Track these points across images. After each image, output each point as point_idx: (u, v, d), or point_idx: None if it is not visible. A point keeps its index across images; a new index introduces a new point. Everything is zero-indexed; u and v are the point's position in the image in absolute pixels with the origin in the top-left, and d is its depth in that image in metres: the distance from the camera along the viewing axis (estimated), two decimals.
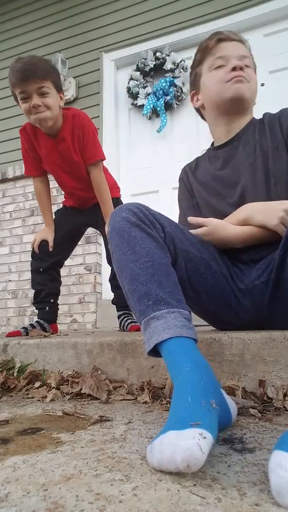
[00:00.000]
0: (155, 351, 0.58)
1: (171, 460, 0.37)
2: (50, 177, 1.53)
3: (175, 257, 0.77)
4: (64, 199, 1.62)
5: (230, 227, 0.87)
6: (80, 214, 1.54)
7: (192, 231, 0.87)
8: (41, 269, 1.46)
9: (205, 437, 0.38)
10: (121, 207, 0.73)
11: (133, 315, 1.47)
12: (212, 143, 1.07)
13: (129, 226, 0.69)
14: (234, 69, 0.91)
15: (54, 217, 1.55)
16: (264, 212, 0.83)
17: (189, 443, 0.37)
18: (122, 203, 1.58)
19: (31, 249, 1.49)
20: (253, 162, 0.92)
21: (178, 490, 0.35)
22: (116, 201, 1.50)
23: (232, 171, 0.95)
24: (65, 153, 1.36)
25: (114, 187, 1.53)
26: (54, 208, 1.59)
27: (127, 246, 0.66)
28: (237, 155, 0.96)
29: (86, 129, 1.36)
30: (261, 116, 1.00)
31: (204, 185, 1.02)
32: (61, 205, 1.64)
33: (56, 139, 1.35)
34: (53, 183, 1.60)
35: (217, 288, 0.84)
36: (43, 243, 1.46)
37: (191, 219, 0.89)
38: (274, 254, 0.81)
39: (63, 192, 1.59)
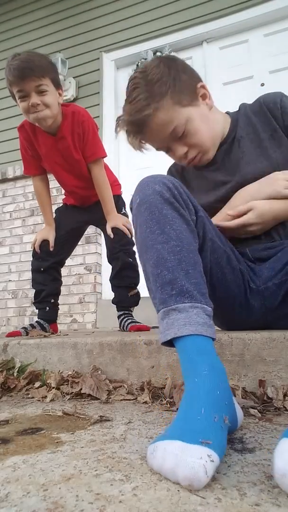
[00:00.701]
0: (169, 343, 0.55)
1: (172, 472, 0.36)
2: (50, 176, 1.53)
3: (202, 244, 0.72)
4: (64, 197, 1.60)
5: (273, 202, 0.82)
6: (81, 212, 1.53)
7: (236, 221, 0.83)
8: (42, 269, 1.45)
9: (212, 461, 0.36)
10: (153, 179, 0.67)
11: (133, 315, 1.48)
12: None
13: (162, 202, 0.63)
14: (180, 158, 0.89)
15: (54, 216, 1.54)
16: (267, 187, 0.81)
17: (195, 462, 0.35)
18: (123, 200, 1.58)
19: (32, 249, 1.48)
20: (256, 155, 0.89)
21: (178, 490, 0.35)
22: (117, 198, 1.50)
23: (233, 169, 0.92)
24: (65, 151, 1.35)
25: (115, 184, 1.53)
26: (54, 208, 1.58)
27: (157, 225, 0.61)
28: (234, 153, 0.92)
29: (87, 126, 1.34)
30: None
31: (200, 182, 0.98)
32: (61, 205, 1.64)
33: (55, 137, 1.33)
34: (53, 183, 1.59)
35: (234, 285, 0.81)
36: (44, 243, 1.45)
37: (229, 212, 0.84)
38: (284, 253, 0.80)
39: (63, 192, 1.58)
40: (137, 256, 1.09)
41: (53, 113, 1.27)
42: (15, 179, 2.90)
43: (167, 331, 0.55)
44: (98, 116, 2.69)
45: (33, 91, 1.21)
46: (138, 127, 0.85)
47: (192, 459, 0.36)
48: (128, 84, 0.86)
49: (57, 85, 1.29)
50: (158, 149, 0.92)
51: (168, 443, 0.39)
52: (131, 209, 0.70)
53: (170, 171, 1.09)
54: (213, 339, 0.55)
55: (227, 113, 0.97)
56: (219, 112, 0.95)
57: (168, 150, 0.91)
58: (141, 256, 0.64)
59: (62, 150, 1.35)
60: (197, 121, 0.86)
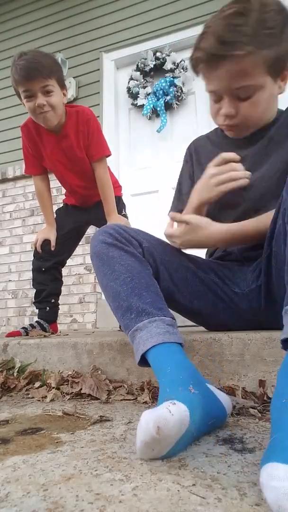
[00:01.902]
0: (144, 361, 0.60)
1: (146, 429, 0.40)
2: (50, 176, 1.53)
3: (156, 269, 0.78)
4: (65, 197, 1.60)
5: (214, 223, 0.79)
6: (82, 212, 1.53)
7: (167, 231, 0.83)
8: (43, 269, 1.45)
9: (174, 403, 0.42)
10: (98, 231, 0.75)
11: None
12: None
13: (107, 247, 0.71)
14: (223, 115, 0.79)
15: (55, 216, 1.54)
16: (203, 187, 0.78)
17: (159, 410, 0.41)
18: (123, 202, 1.58)
19: (33, 249, 1.48)
20: (274, 158, 0.84)
21: (178, 490, 0.35)
22: (118, 199, 1.49)
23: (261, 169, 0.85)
24: (68, 149, 1.35)
25: (116, 186, 1.53)
26: (54, 208, 1.58)
27: (107, 267, 0.69)
28: (260, 149, 0.86)
29: (92, 125, 1.35)
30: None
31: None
32: (61, 205, 1.64)
33: (59, 136, 1.34)
34: (53, 183, 1.59)
35: (210, 294, 0.83)
36: (45, 243, 1.45)
37: (173, 215, 0.83)
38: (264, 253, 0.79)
39: (63, 192, 1.58)
40: None
41: (58, 114, 1.28)
42: (15, 179, 2.90)
43: (137, 352, 0.61)
44: (98, 116, 2.69)
45: (39, 92, 1.22)
46: (216, 58, 0.71)
47: (157, 410, 0.42)
48: (235, 2, 0.69)
49: (62, 85, 1.31)
50: (210, 91, 0.79)
51: (140, 420, 0.43)
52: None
53: (189, 148, 1.07)
54: (181, 344, 0.60)
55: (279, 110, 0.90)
56: (277, 104, 0.86)
57: (217, 100, 0.79)
58: (105, 298, 0.72)
59: (65, 149, 1.36)
60: (265, 95, 0.76)
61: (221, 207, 0.87)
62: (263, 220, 0.77)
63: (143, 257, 0.74)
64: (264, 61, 0.71)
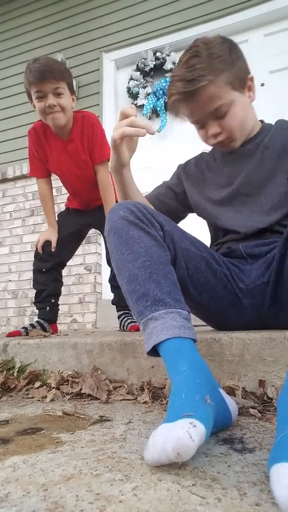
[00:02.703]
0: (154, 351, 0.58)
1: (162, 450, 0.38)
2: (52, 177, 1.54)
3: (175, 255, 0.76)
4: (67, 201, 1.63)
5: (127, 170, 0.90)
6: (84, 215, 1.55)
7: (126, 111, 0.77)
8: (44, 270, 1.47)
9: (195, 426, 0.39)
10: (118, 206, 0.71)
11: (132, 315, 1.48)
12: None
13: (127, 225, 0.67)
14: (211, 136, 0.89)
15: (56, 218, 1.56)
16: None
17: (179, 432, 0.38)
18: None
19: (34, 249, 1.51)
20: (273, 165, 0.91)
21: (178, 490, 0.35)
22: None
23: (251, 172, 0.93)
24: (73, 153, 1.39)
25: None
26: (55, 209, 1.59)
27: (125, 246, 0.65)
28: (256, 158, 0.94)
29: (96, 128, 1.40)
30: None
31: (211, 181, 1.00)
32: (61, 206, 1.65)
33: (66, 141, 1.39)
34: (53, 183, 1.60)
35: (219, 287, 0.83)
36: (47, 244, 1.47)
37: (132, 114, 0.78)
38: (274, 253, 0.81)
39: (63, 193, 1.60)
40: None
41: (66, 116, 1.34)
42: (15, 179, 2.90)
43: (148, 341, 0.58)
44: (98, 116, 2.68)
45: (50, 93, 1.28)
46: (187, 95, 0.84)
47: (177, 431, 0.38)
48: (187, 51, 0.85)
49: (72, 91, 1.37)
50: (193, 122, 0.92)
51: (155, 431, 0.41)
52: (105, 237, 0.73)
53: (185, 164, 1.13)
54: (194, 340, 0.57)
55: (261, 121, 0.99)
56: (254, 111, 0.97)
57: (202, 127, 0.91)
58: (118, 278, 0.68)
59: (70, 152, 1.40)
60: (239, 107, 0.88)
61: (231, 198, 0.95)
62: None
63: (164, 241, 0.72)
64: (226, 82, 0.84)
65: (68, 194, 1.61)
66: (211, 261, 0.83)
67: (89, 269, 2.53)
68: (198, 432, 0.38)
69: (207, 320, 0.94)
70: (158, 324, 0.57)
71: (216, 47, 0.85)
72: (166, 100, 2.60)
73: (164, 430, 0.40)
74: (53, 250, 1.46)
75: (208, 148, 1.05)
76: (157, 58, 2.67)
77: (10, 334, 1.33)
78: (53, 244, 1.46)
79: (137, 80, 2.72)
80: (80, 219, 1.55)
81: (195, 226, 1.15)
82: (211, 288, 0.82)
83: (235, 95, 0.87)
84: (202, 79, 0.81)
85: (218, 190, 0.98)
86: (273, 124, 0.98)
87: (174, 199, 1.07)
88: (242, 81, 0.89)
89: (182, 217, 1.10)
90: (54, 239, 1.47)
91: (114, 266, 0.69)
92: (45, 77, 1.26)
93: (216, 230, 1.01)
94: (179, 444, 0.37)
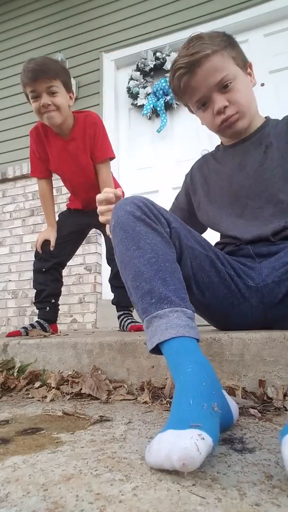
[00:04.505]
0: (157, 349, 0.57)
1: (167, 458, 0.37)
2: (52, 176, 1.55)
3: (180, 253, 0.75)
4: (68, 202, 1.63)
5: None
6: (84, 215, 1.55)
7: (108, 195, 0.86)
8: (44, 269, 1.47)
9: (203, 438, 0.38)
10: (125, 201, 0.71)
11: (132, 315, 1.48)
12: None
13: (134, 221, 0.66)
14: (218, 112, 0.88)
15: (57, 219, 1.56)
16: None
17: (186, 443, 0.37)
18: None
19: (34, 249, 1.51)
20: (277, 164, 0.90)
21: (178, 490, 0.35)
22: None
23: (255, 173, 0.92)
24: (74, 152, 1.39)
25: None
26: (55, 209, 1.59)
27: (131, 242, 0.65)
28: (255, 155, 0.93)
29: (98, 127, 1.40)
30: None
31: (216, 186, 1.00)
32: (61, 206, 1.65)
33: (66, 139, 1.39)
34: (54, 183, 1.60)
35: (222, 287, 0.82)
36: (46, 243, 1.47)
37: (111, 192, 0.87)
38: (286, 253, 0.81)
39: (63, 192, 1.60)
40: None
41: (62, 114, 1.33)
42: (15, 179, 2.90)
43: (152, 339, 0.57)
44: (102, 121, 2.69)
45: (44, 92, 1.28)
46: (192, 66, 0.85)
47: (184, 441, 0.37)
48: (189, 39, 0.87)
49: (68, 89, 1.36)
50: (198, 99, 0.90)
51: (161, 435, 0.41)
52: (110, 232, 0.73)
53: (191, 169, 1.12)
54: (197, 340, 0.57)
55: (266, 117, 0.99)
56: (256, 100, 0.97)
57: (208, 102, 0.89)
58: (122, 273, 0.67)
59: (71, 152, 1.40)
60: (243, 84, 0.88)
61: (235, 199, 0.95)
62: None
63: (170, 238, 0.71)
64: (229, 56, 0.87)
65: (69, 194, 1.61)
66: (215, 261, 0.82)
67: (89, 269, 2.53)
68: (205, 444, 0.38)
69: (209, 319, 0.94)
70: (162, 323, 0.57)
71: (216, 33, 0.89)
72: (166, 100, 2.61)
73: (171, 438, 0.39)
74: (51, 249, 1.46)
75: (208, 149, 1.05)
76: (157, 58, 2.67)
77: (10, 334, 1.33)
78: (52, 243, 1.46)
79: (137, 80, 2.72)
80: (81, 219, 1.55)
81: None
82: (214, 288, 0.82)
83: (238, 71, 0.87)
84: (206, 49, 0.84)
85: (220, 191, 0.98)
86: (279, 119, 0.97)
87: (188, 219, 1.05)
88: (244, 62, 0.90)
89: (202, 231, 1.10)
90: (52, 239, 1.47)
91: (118, 261, 0.68)
92: (37, 76, 1.25)
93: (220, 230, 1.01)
94: (186, 455, 0.36)
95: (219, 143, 1.08)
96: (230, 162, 0.97)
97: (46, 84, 1.27)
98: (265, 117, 0.98)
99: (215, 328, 0.97)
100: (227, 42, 0.87)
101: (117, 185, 1.56)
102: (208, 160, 1.07)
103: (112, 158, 1.45)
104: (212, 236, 1.01)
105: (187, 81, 0.87)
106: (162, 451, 0.38)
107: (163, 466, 0.38)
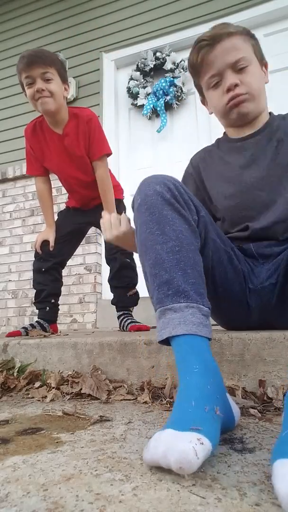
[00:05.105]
0: (166, 341, 0.56)
1: (164, 457, 0.37)
2: (52, 176, 1.54)
3: (204, 244, 0.72)
4: (67, 200, 1.62)
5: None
6: (83, 214, 1.54)
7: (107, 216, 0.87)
8: (43, 269, 1.46)
9: (202, 443, 0.37)
10: (155, 179, 0.66)
11: (132, 315, 1.48)
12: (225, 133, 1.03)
13: (162, 203, 0.63)
14: (228, 89, 0.87)
15: (56, 218, 1.56)
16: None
17: (185, 446, 0.37)
18: (124, 205, 1.58)
19: (34, 250, 1.50)
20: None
21: (178, 490, 0.35)
22: (118, 202, 1.51)
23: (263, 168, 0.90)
24: (70, 148, 1.38)
25: (117, 189, 1.54)
26: (54, 209, 1.59)
27: (157, 225, 0.61)
28: (266, 150, 0.91)
29: (93, 124, 1.38)
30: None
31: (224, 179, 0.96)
32: (61, 205, 1.64)
33: (61, 135, 1.37)
34: (54, 183, 1.60)
35: (236, 284, 0.81)
36: (45, 243, 1.46)
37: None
38: (284, 255, 0.81)
39: (63, 193, 1.59)
40: (135, 256, 1.10)
41: (56, 102, 1.32)
42: (15, 179, 2.90)
43: (163, 330, 0.56)
44: (99, 116, 2.67)
45: (39, 77, 1.28)
46: (213, 40, 0.87)
47: (182, 443, 0.37)
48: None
49: (63, 79, 1.36)
50: (212, 76, 0.90)
51: (159, 433, 0.40)
52: (132, 208, 0.69)
53: (191, 161, 1.08)
54: (209, 339, 0.55)
55: (270, 113, 0.98)
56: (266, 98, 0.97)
57: (220, 81, 0.90)
58: (141, 256, 0.64)
59: (67, 147, 1.38)
60: (257, 72, 0.90)
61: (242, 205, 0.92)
62: None
63: (197, 227, 0.68)
64: (248, 43, 0.89)
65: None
66: (233, 256, 0.81)
67: (89, 269, 2.53)
68: (204, 449, 0.37)
69: (215, 315, 0.92)
70: (176, 317, 0.55)
71: (241, 26, 0.91)
72: (166, 100, 2.60)
73: (170, 438, 0.39)
74: (51, 249, 1.45)
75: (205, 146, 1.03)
76: (157, 58, 2.67)
77: (10, 334, 1.33)
78: (51, 244, 1.46)
79: (137, 80, 2.72)
80: (80, 218, 1.54)
81: None
82: (228, 283, 0.80)
83: (254, 59, 0.89)
84: (230, 29, 0.88)
85: (228, 183, 0.94)
86: (283, 114, 0.96)
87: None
88: (261, 57, 0.93)
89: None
90: (51, 239, 1.46)
91: (139, 244, 0.65)
92: (33, 62, 1.26)
93: (224, 231, 0.97)
94: (183, 458, 0.35)
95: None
96: (241, 155, 0.94)
97: (41, 70, 1.27)
98: (269, 112, 0.98)
99: (217, 327, 0.97)
100: (250, 34, 0.91)
101: (116, 185, 1.55)
102: (211, 152, 1.03)
103: (109, 154, 1.43)
104: None
105: (205, 53, 0.89)
106: (159, 448, 0.38)
107: (159, 463, 0.38)
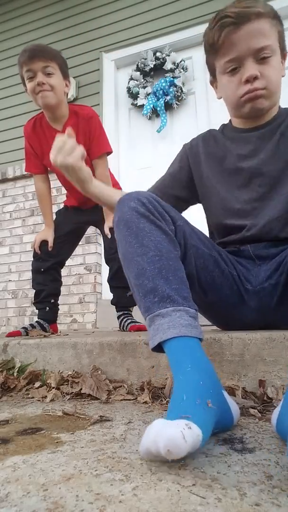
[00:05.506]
0: (158, 347, 0.58)
1: (154, 443, 0.38)
2: (51, 176, 1.53)
3: (185, 252, 0.74)
4: (65, 199, 1.61)
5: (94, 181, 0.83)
6: (81, 213, 1.53)
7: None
8: (42, 269, 1.46)
9: (190, 428, 0.38)
10: (129, 196, 0.69)
11: (132, 315, 1.48)
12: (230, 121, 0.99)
13: (138, 217, 0.65)
14: (247, 80, 0.81)
15: (55, 217, 1.55)
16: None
17: (172, 431, 0.38)
18: None
19: (33, 250, 1.49)
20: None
21: (178, 490, 0.35)
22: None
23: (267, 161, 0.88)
24: None
25: (116, 188, 1.53)
26: (54, 208, 1.59)
27: (135, 239, 0.64)
28: (272, 143, 0.89)
29: (93, 122, 1.38)
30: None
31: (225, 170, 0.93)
32: (61, 205, 1.64)
33: (61, 131, 1.37)
34: (53, 183, 1.60)
35: (225, 287, 0.82)
36: (44, 243, 1.46)
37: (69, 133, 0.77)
38: (284, 255, 0.80)
39: (63, 192, 1.59)
40: None
41: (57, 97, 1.32)
42: (15, 179, 2.90)
43: (154, 337, 0.58)
44: (99, 116, 2.69)
45: (40, 71, 1.28)
46: (240, 18, 0.78)
47: (171, 429, 0.38)
48: None
49: (65, 75, 1.36)
50: (231, 60, 0.82)
51: (151, 425, 0.41)
52: (114, 226, 0.71)
53: (184, 148, 1.05)
54: (200, 339, 0.57)
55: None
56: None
57: (239, 67, 0.82)
58: (125, 270, 0.66)
59: None
60: (278, 64, 0.83)
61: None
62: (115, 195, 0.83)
63: (175, 236, 0.70)
64: (275, 28, 0.81)
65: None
66: (219, 260, 0.81)
67: (89, 269, 2.53)
68: (192, 434, 0.38)
69: (211, 318, 0.93)
70: (164, 322, 0.57)
71: (269, 5, 0.82)
72: (166, 100, 2.60)
73: (159, 425, 0.40)
74: (50, 249, 1.45)
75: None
76: (157, 58, 2.67)
77: (10, 334, 1.33)
78: (50, 244, 1.45)
79: (137, 80, 2.72)
80: (78, 217, 1.54)
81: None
82: (217, 288, 0.81)
83: (277, 49, 0.82)
84: (259, 7, 0.78)
85: (227, 172, 0.93)
86: None
87: (179, 187, 1.00)
88: (283, 46, 0.85)
89: (185, 207, 1.03)
90: (50, 239, 1.46)
91: (121, 258, 0.67)
92: (35, 55, 1.26)
93: (219, 227, 0.95)
94: (171, 442, 0.37)
95: None
96: (244, 145, 0.92)
97: (42, 64, 1.27)
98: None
99: (217, 328, 0.97)
100: (278, 17, 0.82)
101: (115, 184, 1.55)
102: (216, 136, 0.99)
103: (110, 152, 1.43)
104: (206, 233, 0.97)
105: (229, 33, 0.79)
106: (150, 437, 0.39)
107: (150, 450, 0.39)
